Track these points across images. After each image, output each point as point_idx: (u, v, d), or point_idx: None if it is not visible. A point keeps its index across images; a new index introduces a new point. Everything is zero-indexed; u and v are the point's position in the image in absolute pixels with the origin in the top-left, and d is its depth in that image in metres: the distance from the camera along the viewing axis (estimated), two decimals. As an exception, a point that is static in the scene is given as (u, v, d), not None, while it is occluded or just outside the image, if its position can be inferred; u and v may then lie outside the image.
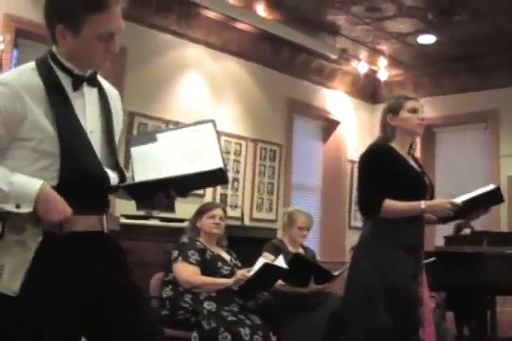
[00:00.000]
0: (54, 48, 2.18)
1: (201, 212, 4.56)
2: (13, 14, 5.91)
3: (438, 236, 8.07)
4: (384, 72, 9.40)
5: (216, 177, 2.22)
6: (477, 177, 8.79)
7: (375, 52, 8.84)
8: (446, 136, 9.54)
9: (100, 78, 2.31)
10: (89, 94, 2.22)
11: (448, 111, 9.13)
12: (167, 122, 6.94)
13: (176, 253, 4.32)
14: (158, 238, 5.41)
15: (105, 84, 2.34)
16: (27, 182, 2.01)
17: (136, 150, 2.25)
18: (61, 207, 2.02)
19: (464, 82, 8.97)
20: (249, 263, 4.50)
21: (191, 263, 4.26)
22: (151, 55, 7.02)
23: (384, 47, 8.61)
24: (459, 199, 3.36)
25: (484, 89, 8.78)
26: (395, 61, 9.11)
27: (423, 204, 3.31)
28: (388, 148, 3.52)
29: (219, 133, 2.26)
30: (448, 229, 7.33)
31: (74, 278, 2.06)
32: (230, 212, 6.69)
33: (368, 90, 9.72)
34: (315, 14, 7.59)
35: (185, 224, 4.86)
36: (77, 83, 2.17)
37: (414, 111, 3.54)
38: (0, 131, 2.02)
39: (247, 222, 7.37)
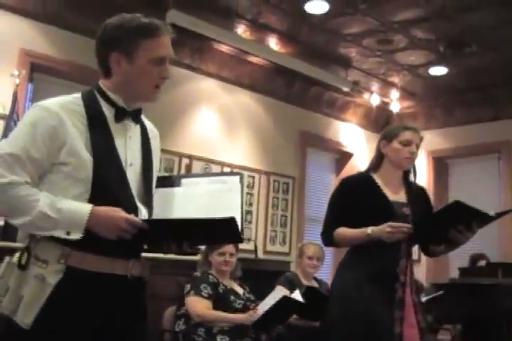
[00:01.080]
0: (100, 82, 2.25)
1: (212, 247, 4.54)
2: (28, 49, 6.00)
3: (453, 268, 8.00)
4: (396, 103, 9.42)
5: (229, 231, 2.10)
6: (492, 208, 8.71)
7: (387, 84, 8.87)
8: (459, 167, 9.50)
9: (143, 117, 2.37)
10: (132, 128, 2.26)
11: (460, 142, 9.12)
12: (180, 155, 6.97)
13: (188, 287, 4.31)
14: (171, 271, 5.39)
15: (148, 124, 2.40)
16: (75, 208, 2.01)
17: (159, 192, 2.25)
18: (112, 226, 2.00)
19: (476, 113, 8.97)
20: (262, 296, 4.47)
21: (203, 297, 4.24)
22: (164, 88, 6.99)
23: (396, 79, 8.65)
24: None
25: (496, 120, 8.77)
26: (406, 93, 9.14)
27: (369, 229, 3.24)
28: (356, 179, 3.58)
29: (243, 187, 2.26)
30: (463, 261, 7.28)
31: (87, 319, 2.03)
32: (244, 245, 6.67)
33: (380, 122, 9.73)
34: (327, 47, 7.65)
35: (198, 257, 4.85)
36: (120, 115, 2.21)
37: (406, 143, 3.48)
38: (41, 155, 2.05)
39: (260, 255, 7.34)
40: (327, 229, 3.48)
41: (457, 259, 7.95)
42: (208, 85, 7.58)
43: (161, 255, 5.58)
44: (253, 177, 7.84)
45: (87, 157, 2.06)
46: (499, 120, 8.75)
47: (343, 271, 3.43)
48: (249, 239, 7.44)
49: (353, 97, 9.21)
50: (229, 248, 4.51)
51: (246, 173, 7.72)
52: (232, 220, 2.00)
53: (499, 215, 3.26)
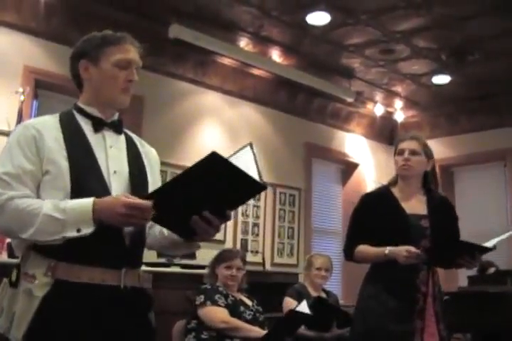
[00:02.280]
0: (78, 100, 2.34)
1: (219, 260, 4.50)
2: (32, 66, 6.03)
3: (462, 276, 7.96)
4: (400, 113, 9.43)
5: (252, 188, 2.06)
6: (499, 216, 8.72)
7: (390, 94, 8.88)
8: (465, 175, 9.49)
9: (137, 137, 2.46)
10: (114, 138, 2.30)
11: (466, 150, 9.12)
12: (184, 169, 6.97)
13: (202, 298, 4.24)
14: (179, 285, 5.37)
15: (139, 140, 2.46)
16: (78, 204, 2.02)
17: None
18: (115, 214, 1.98)
19: (480, 121, 8.96)
20: (271, 308, 4.46)
21: (221, 306, 4.20)
22: (168, 103, 7.10)
23: (399, 88, 8.66)
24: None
25: (501, 127, 8.76)
26: (410, 102, 9.15)
27: (387, 249, 3.31)
28: (375, 194, 3.66)
29: (255, 154, 2.26)
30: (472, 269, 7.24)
31: (77, 331, 2.01)
32: (251, 258, 6.67)
33: (385, 132, 9.74)
34: (329, 58, 7.67)
35: (206, 270, 4.83)
36: (97, 125, 2.27)
37: (400, 152, 3.58)
38: (34, 165, 2.09)
39: (268, 267, 7.32)
40: (349, 245, 3.56)
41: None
42: (211, 99, 7.60)
43: (168, 269, 5.58)
44: (259, 189, 7.81)
45: (64, 165, 2.10)
46: (504, 127, 8.74)
47: (366, 284, 3.51)
48: (256, 252, 7.43)
49: (357, 108, 9.22)
50: (237, 262, 4.47)
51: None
52: (213, 155, 1.93)
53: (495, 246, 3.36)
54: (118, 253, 2.11)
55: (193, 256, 5.87)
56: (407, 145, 3.58)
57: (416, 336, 3.25)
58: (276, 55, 7.54)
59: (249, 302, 4.49)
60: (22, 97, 5.70)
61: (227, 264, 4.45)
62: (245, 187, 2.06)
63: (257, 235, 7.76)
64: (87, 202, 2.01)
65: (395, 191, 3.58)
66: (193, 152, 7.19)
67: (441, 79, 8.15)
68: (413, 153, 3.55)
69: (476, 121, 9.02)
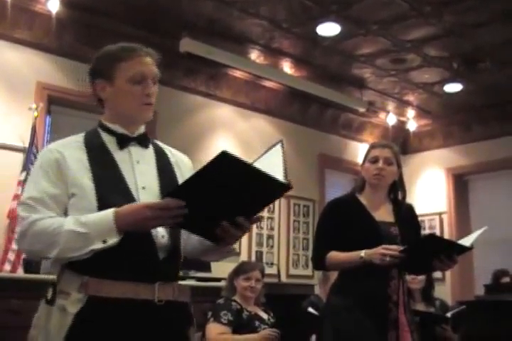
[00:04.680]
0: (102, 118, 2.31)
1: (238, 272, 4.52)
2: (45, 82, 6.08)
3: (478, 285, 7.93)
4: (413, 122, 9.41)
5: (274, 187, 2.00)
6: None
7: (402, 103, 8.88)
8: (479, 183, 9.44)
9: (168, 147, 2.45)
10: (141, 153, 2.28)
11: (479, 158, 9.07)
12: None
13: (209, 314, 4.30)
14: (194, 298, 5.35)
15: (170, 149, 2.44)
16: (99, 216, 2.00)
17: None
18: (140, 219, 1.95)
19: (493, 129, 8.92)
20: (287, 320, 4.44)
21: (222, 323, 4.21)
22: (180, 116, 7.12)
23: (411, 97, 8.65)
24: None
25: (515, 135, 8.73)
26: (423, 111, 9.13)
27: (362, 252, 3.21)
28: (342, 201, 3.55)
29: (285, 153, 2.22)
30: (489, 278, 7.21)
31: None
32: (267, 270, 6.61)
33: (397, 141, 9.71)
34: (340, 69, 7.68)
35: (222, 283, 4.83)
36: (122, 141, 2.25)
37: (373, 160, 3.47)
38: (59, 190, 2.09)
39: (283, 278, 7.31)
40: (318, 253, 3.45)
41: (482, 276, 7.87)
42: (224, 111, 7.62)
43: (184, 282, 5.58)
44: (273, 201, 7.81)
45: (88, 185, 2.08)
46: (517, 134, 8.71)
47: (334, 295, 3.41)
48: (272, 263, 7.41)
49: (369, 118, 9.22)
50: (256, 273, 4.49)
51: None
52: (224, 154, 1.88)
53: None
54: (151, 266, 2.08)
55: (208, 269, 5.87)
56: (380, 153, 3.47)
57: None
58: (287, 66, 7.55)
59: (264, 315, 4.48)
60: (35, 113, 5.75)
61: (246, 276, 4.46)
62: (267, 187, 1.99)
63: (272, 247, 7.75)
64: (107, 212, 1.99)
65: (362, 198, 3.50)
66: (207, 165, 7.19)
67: (453, 87, 8.13)
68: (387, 162, 3.45)
69: (488, 128, 8.98)
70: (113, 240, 1.97)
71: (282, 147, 2.24)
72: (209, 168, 1.89)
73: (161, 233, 2.12)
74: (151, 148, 2.34)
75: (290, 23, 6.48)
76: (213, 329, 4.22)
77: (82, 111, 6.38)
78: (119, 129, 2.26)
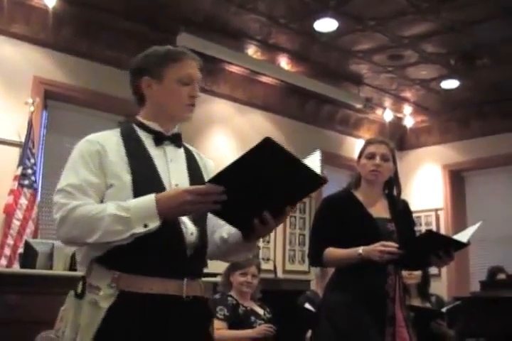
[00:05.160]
0: (138, 115, 2.38)
1: (235, 267, 4.53)
2: (42, 76, 6.06)
3: (474, 281, 7.95)
4: (409, 118, 9.42)
5: (311, 180, 2.02)
6: (510, 221, 8.68)
7: (399, 100, 8.88)
8: (476, 179, 9.45)
9: (195, 150, 2.55)
10: (174, 152, 2.36)
11: (476, 154, 9.08)
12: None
13: None
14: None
15: (198, 153, 2.53)
16: (140, 201, 2.04)
17: None
18: (180, 203, 1.98)
19: (490, 125, 8.93)
20: (283, 316, 4.45)
21: (218, 318, 4.22)
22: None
23: (408, 94, 8.65)
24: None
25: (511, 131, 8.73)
26: (419, 107, 9.14)
27: (360, 249, 3.22)
28: (338, 197, 3.55)
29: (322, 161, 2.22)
30: (485, 274, 7.22)
31: (142, 339, 2.05)
32: (263, 265, 6.63)
33: (394, 138, 9.72)
34: (338, 65, 7.68)
35: (218, 278, 4.83)
36: (159, 139, 2.32)
37: (370, 156, 3.48)
38: (98, 179, 2.14)
39: (279, 274, 7.31)
40: (315, 249, 3.45)
41: (478, 273, 7.90)
42: (221, 107, 7.61)
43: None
44: (269, 196, 7.82)
45: (127, 179, 2.14)
46: (515, 131, 8.71)
47: (332, 292, 3.41)
48: (268, 259, 7.42)
49: (366, 114, 9.22)
50: (252, 269, 4.50)
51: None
52: (267, 140, 1.97)
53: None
54: (180, 263, 2.14)
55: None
56: (377, 149, 3.48)
57: None
58: (284, 62, 7.54)
59: (260, 311, 4.50)
60: (32, 108, 5.75)
61: (242, 271, 4.47)
62: (304, 180, 2.02)
63: (268, 242, 7.75)
64: (149, 196, 2.04)
65: (358, 194, 3.51)
66: (203, 160, 7.19)
67: (450, 83, 8.13)
68: (384, 158, 3.46)
69: (486, 125, 8.99)
70: (154, 224, 2.01)
71: (320, 154, 2.31)
72: (251, 154, 1.93)
73: (190, 230, 2.18)
74: (182, 148, 2.43)
75: (288, 18, 6.47)
76: None
77: (79, 106, 6.39)
78: (155, 127, 2.33)
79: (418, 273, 5.07)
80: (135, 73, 2.35)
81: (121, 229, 2.00)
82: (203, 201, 1.96)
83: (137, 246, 2.02)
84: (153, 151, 2.28)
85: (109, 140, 2.23)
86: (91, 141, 2.22)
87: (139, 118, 2.36)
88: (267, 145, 1.93)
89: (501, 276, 7.00)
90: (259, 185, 1.94)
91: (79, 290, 2.10)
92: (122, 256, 2.05)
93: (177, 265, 2.13)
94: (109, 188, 2.13)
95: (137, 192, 2.10)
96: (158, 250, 2.08)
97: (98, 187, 2.13)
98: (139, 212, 2.01)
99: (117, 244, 2.02)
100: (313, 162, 2.16)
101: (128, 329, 2.03)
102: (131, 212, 2.01)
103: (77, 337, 2.03)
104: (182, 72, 2.31)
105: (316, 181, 2.05)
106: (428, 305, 5.14)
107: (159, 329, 2.07)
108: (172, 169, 2.28)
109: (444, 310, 4.81)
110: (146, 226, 2.00)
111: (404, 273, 5.00)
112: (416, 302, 5.11)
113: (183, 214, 2.09)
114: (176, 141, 2.40)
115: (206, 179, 2.27)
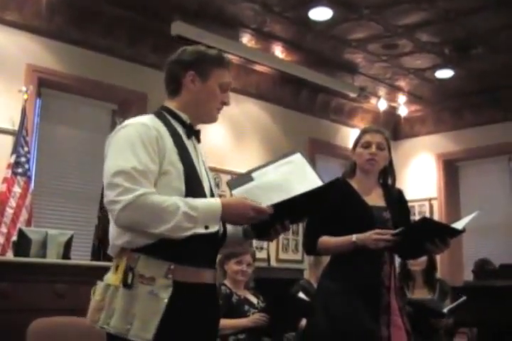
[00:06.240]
0: (166, 103, 2.46)
1: (229, 255, 4.52)
2: (35, 64, 6.03)
3: (467, 270, 7.98)
4: (404, 108, 9.42)
5: (322, 195, 2.37)
6: (504, 210, 8.71)
7: (393, 89, 8.87)
8: (470, 169, 9.48)
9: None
10: (198, 147, 2.46)
11: (470, 144, 9.09)
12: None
13: None
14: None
15: (203, 152, 2.57)
16: (208, 203, 2.20)
17: (238, 192, 2.37)
18: (241, 216, 2.21)
19: (485, 115, 8.94)
20: (276, 304, 4.45)
21: None
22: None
23: (402, 83, 8.65)
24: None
25: (505, 121, 8.74)
26: (414, 97, 9.14)
27: (354, 237, 3.22)
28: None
29: (310, 161, 2.48)
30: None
31: (201, 328, 2.23)
32: (256, 254, 6.66)
33: (388, 127, 9.71)
34: (332, 54, 7.66)
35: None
36: (190, 132, 2.41)
37: (366, 145, 3.47)
38: (157, 166, 2.19)
39: (273, 263, 7.33)
40: (309, 238, 3.45)
41: (471, 262, 7.91)
42: (215, 95, 7.59)
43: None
44: (263, 185, 7.82)
45: (181, 168, 2.24)
46: (508, 121, 8.72)
47: (328, 281, 3.40)
48: (261, 248, 7.43)
49: (361, 103, 9.22)
50: (247, 257, 4.50)
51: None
52: (330, 185, 2.35)
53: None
54: (213, 254, 2.37)
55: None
56: (372, 138, 3.47)
57: (383, 330, 3.19)
58: (279, 51, 7.53)
59: (254, 299, 4.50)
60: (25, 96, 5.72)
61: (237, 260, 4.47)
62: (320, 199, 2.42)
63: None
64: (217, 202, 2.21)
65: (353, 183, 3.50)
66: (197, 149, 7.18)
67: (445, 73, 8.14)
68: (380, 147, 3.46)
69: (480, 115, 9.00)
70: (214, 228, 2.19)
71: (305, 157, 2.53)
72: (314, 192, 2.27)
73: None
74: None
75: (282, 7, 6.45)
76: None
77: (73, 94, 6.37)
78: (187, 119, 2.41)
79: (423, 259, 5.05)
80: (182, 64, 2.42)
81: (187, 227, 2.12)
82: (256, 218, 2.22)
83: (187, 240, 2.14)
84: (188, 144, 2.36)
85: (160, 127, 2.28)
86: (148, 126, 2.24)
87: (171, 107, 2.42)
88: (331, 186, 2.32)
89: (488, 267, 7.04)
90: (296, 208, 2.29)
91: (129, 280, 2.13)
92: (175, 247, 2.14)
93: (212, 256, 2.35)
94: (163, 175, 2.19)
95: (187, 182, 2.22)
96: (203, 244, 2.21)
97: (155, 175, 2.18)
98: (206, 213, 2.16)
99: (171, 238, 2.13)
100: (304, 167, 2.48)
101: (188, 317, 2.17)
102: (199, 212, 2.14)
103: (132, 327, 2.07)
104: (225, 79, 2.44)
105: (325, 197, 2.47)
106: (432, 296, 5.10)
107: (207, 316, 2.26)
108: (200, 163, 2.39)
109: (445, 310, 4.79)
110: (207, 228, 2.16)
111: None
112: (420, 293, 5.09)
113: (236, 223, 2.34)
114: (199, 136, 2.48)
115: (209, 174, 2.49)
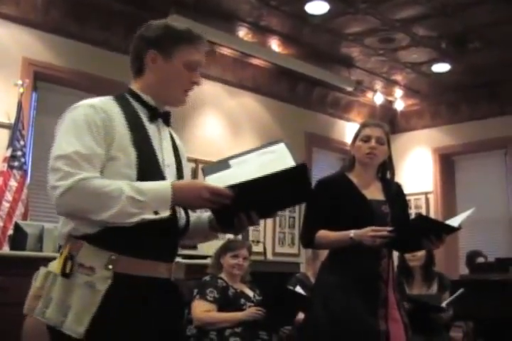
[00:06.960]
0: (131, 84, 2.28)
1: (226, 249, 4.53)
2: (31, 58, 6.03)
3: (463, 265, 7.99)
4: (400, 102, 9.42)
5: (298, 182, 2.10)
6: (500, 204, 8.73)
7: (390, 83, 8.87)
8: (466, 163, 9.49)
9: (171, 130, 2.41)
10: (164, 131, 2.27)
11: (467, 138, 9.11)
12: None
13: (195, 291, 4.32)
14: (181, 276, 5.38)
15: (176, 137, 2.42)
16: (157, 187, 2.00)
17: (211, 179, 2.12)
18: (195, 197, 2.00)
19: (481, 109, 8.95)
20: (272, 297, 4.46)
21: (208, 300, 4.23)
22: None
23: (399, 77, 8.65)
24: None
25: (502, 115, 8.75)
26: (410, 91, 9.14)
27: (352, 232, 3.21)
28: (332, 179, 3.53)
29: (292, 152, 2.15)
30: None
31: (139, 323, 2.02)
32: (253, 247, 6.67)
33: (385, 121, 9.67)
34: (329, 47, 7.66)
35: (208, 260, 4.84)
36: (154, 115, 2.23)
37: (366, 139, 3.46)
38: (103, 150, 2.03)
39: (269, 256, 7.34)
40: (307, 231, 3.45)
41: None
42: (211, 89, 7.59)
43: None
44: (260, 179, 7.82)
45: (133, 153, 2.06)
46: (505, 115, 8.73)
47: (326, 275, 3.41)
48: (258, 241, 7.44)
49: (357, 97, 9.22)
50: (243, 251, 4.51)
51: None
52: (301, 167, 2.03)
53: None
54: (170, 247, 2.16)
55: (194, 247, 5.88)
56: (372, 132, 3.47)
57: (380, 323, 3.20)
58: (275, 44, 7.52)
59: (250, 293, 4.51)
60: (21, 89, 5.72)
61: (233, 253, 4.48)
62: (299, 194, 2.18)
63: (258, 225, 7.76)
64: (166, 184, 2.01)
65: (352, 177, 3.50)
66: (194, 142, 7.19)
67: (441, 67, 8.14)
68: (379, 141, 3.46)
69: (476, 109, 9.01)
70: (165, 213, 1.98)
71: (289, 147, 2.19)
72: (280, 174, 2.01)
73: (182, 215, 2.19)
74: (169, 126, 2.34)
75: (279, 0, 6.44)
76: (199, 306, 4.24)
77: (69, 87, 6.35)
78: (151, 101, 2.24)
79: (422, 253, 5.05)
80: (144, 40, 2.23)
81: (133, 212, 1.94)
82: (212, 200, 1.98)
83: (135, 228, 1.97)
84: (149, 128, 2.19)
85: (113, 109, 2.12)
86: (95, 108, 2.08)
87: (134, 89, 2.25)
88: (298, 170, 2.05)
89: (480, 260, 7.05)
90: (262, 195, 2.05)
91: (67, 269, 1.98)
92: (119, 237, 1.99)
93: (169, 248, 2.14)
94: (110, 160, 2.03)
95: (140, 169, 2.05)
96: (154, 234, 2.03)
97: (101, 159, 2.02)
98: (154, 197, 1.97)
99: (116, 225, 1.97)
100: (284, 158, 2.13)
101: (126, 312, 1.98)
102: (147, 196, 1.96)
103: (66, 319, 1.93)
104: (193, 56, 2.22)
105: (305, 197, 2.30)
106: (431, 291, 5.10)
107: (154, 313, 2.05)
108: (164, 148, 2.21)
109: (444, 304, 4.79)
110: (156, 213, 1.97)
111: (408, 255, 5.02)
112: (419, 288, 5.09)
113: (191, 207, 2.11)
114: (167, 119, 2.30)
115: (183, 160, 2.33)
